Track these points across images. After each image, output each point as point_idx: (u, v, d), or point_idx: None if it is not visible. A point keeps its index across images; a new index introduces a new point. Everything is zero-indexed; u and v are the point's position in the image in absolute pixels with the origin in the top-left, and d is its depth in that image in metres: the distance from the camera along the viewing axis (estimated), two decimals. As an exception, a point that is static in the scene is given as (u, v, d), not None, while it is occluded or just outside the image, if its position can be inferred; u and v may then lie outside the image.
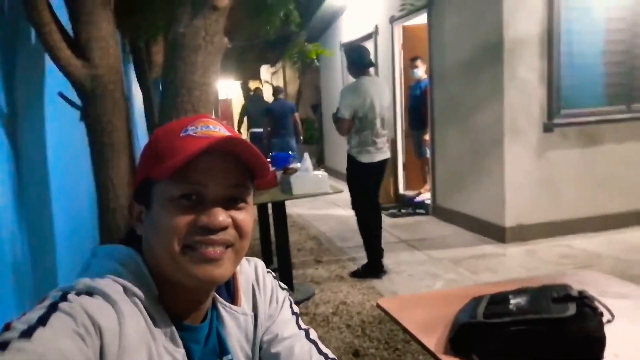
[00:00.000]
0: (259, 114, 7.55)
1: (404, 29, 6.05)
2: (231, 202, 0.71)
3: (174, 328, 0.71)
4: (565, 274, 1.54)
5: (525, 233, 4.40)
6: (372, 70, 4.00)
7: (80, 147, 1.62)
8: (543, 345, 0.96)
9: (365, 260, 3.81)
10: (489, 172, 4.54)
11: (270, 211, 3.75)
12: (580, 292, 1.04)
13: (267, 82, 13.37)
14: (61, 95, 1.49)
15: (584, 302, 1.01)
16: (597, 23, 4.42)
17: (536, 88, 4.35)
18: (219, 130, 0.73)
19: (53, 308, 0.60)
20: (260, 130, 7.48)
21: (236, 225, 0.72)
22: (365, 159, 3.60)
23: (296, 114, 7.45)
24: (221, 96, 16.52)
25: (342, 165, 8.36)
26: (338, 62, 8.04)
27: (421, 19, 5.53)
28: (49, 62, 1.51)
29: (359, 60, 3.67)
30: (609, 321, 1.02)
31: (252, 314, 0.83)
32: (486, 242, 4.49)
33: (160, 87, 1.56)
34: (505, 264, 3.93)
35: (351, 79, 3.84)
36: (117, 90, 1.55)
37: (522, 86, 4.32)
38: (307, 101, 12.36)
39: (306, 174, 3.18)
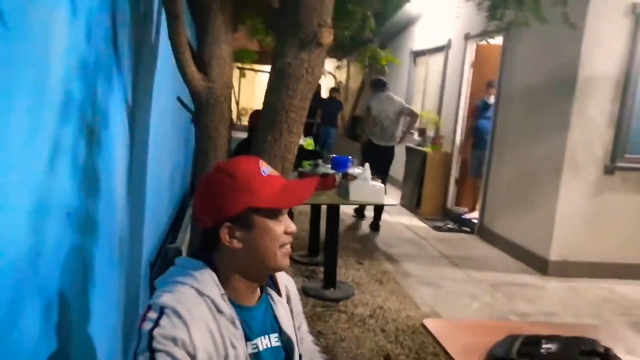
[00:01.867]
0: (315, 106, 8.45)
1: (478, 47, 6.09)
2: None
3: (235, 314, 1.04)
4: (598, 326, 1.67)
5: (569, 269, 4.43)
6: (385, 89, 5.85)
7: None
8: (565, 389, 1.13)
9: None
10: (541, 203, 4.59)
11: (323, 208, 3.97)
12: (606, 349, 1.20)
13: (331, 73, 13.55)
14: (179, 100, 1.75)
15: (608, 358, 1.17)
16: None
17: (602, 128, 4.35)
18: (274, 171, 1.11)
19: (151, 351, 0.92)
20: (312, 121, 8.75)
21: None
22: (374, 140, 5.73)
23: (342, 111, 8.60)
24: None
25: (393, 169, 8.50)
26: (405, 71, 8.14)
27: (496, 39, 5.56)
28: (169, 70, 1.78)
29: (377, 84, 5.90)
30: (627, 379, 1.18)
31: (290, 306, 1.20)
32: (527, 271, 4.56)
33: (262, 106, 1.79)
34: (543, 296, 4.00)
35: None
36: (226, 102, 1.80)
37: (589, 125, 4.33)
38: (365, 99, 12.50)
39: (365, 182, 3.38)
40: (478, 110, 5.95)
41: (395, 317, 3.34)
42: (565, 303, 3.88)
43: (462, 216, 6.04)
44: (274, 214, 1.06)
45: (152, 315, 0.96)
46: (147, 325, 0.95)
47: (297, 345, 1.15)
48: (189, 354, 0.94)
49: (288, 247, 1.09)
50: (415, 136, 6.94)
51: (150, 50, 1.99)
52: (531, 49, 4.90)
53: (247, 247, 1.05)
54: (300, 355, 1.17)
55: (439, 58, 7.01)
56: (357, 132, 11.06)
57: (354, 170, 3.92)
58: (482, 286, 4.11)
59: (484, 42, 5.92)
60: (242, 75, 11.07)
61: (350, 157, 4.19)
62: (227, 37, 1.77)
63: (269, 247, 1.05)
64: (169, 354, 0.92)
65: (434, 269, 4.42)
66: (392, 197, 7.09)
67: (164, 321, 0.95)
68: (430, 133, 6.78)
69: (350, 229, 5.59)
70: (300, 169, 3.86)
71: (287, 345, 1.13)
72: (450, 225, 5.95)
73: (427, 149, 6.46)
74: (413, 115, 5.89)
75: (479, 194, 5.84)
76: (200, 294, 1.00)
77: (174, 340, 0.93)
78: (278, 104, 1.71)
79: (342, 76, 14.16)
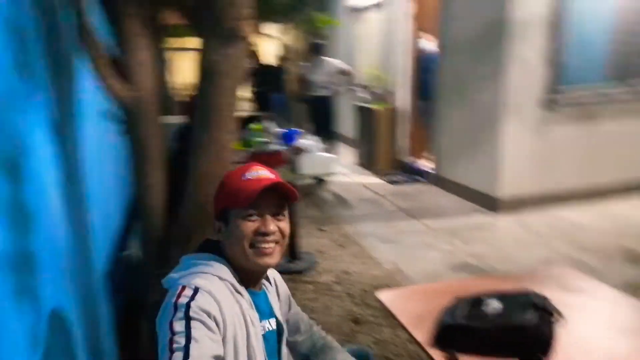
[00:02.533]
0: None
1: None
2: (276, 216, 1.19)
3: (251, 298, 1.20)
4: (537, 272, 1.80)
5: (518, 204, 4.67)
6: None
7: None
8: (509, 346, 1.23)
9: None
10: (488, 144, 4.75)
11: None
12: (543, 300, 1.30)
13: (275, 37, 13.24)
14: (106, 113, 1.70)
15: (546, 309, 1.27)
16: (608, 3, 4.50)
17: (538, 67, 4.49)
18: (267, 174, 1.21)
19: (188, 319, 1.03)
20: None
21: (280, 230, 1.20)
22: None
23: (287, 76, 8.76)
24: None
25: (344, 128, 8.54)
26: (343, 28, 8.04)
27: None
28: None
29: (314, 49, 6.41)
30: (561, 324, 1.28)
31: (277, 293, 1.36)
32: (480, 212, 4.76)
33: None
34: (497, 235, 4.21)
35: None
36: (155, 110, 1.76)
37: (525, 65, 4.45)
38: (308, 59, 12.34)
39: (316, 155, 3.40)
40: (417, 62, 6.04)
41: (360, 280, 3.46)
42: (517, 238, 4.11)
43: (417, 167, 6.19)
44: (245, 213, 1.16)
45: (188, 292, 1.07)
46: (184, 300, 1.05)
47: (285, 329, 1.33)
48: (218, 328, 1.06)
49: (265, 246, 1.17)
50: (362, 93, 6.97)
51: (70, 64, 1.89)
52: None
53: (226, 241, 1.20)
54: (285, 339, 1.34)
55: (378, 12, 6.96)
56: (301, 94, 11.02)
57: (304, 142, 3.93)
58: (440, 234, 4.28)
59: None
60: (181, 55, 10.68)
61: (299, 129, 4.18)
62: (149, 41, 1.71)
63: (237, 243, 1.16)
64: (203, 322, 1.03)
65: (393, 224, 4.56)
66: (347, 157, 7.19)
67: (199, 297, 1.06)
68: (377, 89, 6.81)
69: (308, 195, 5.65)
70: (250, 149, 3.83)
71: (278, 329, 1.30)
72: (405, 178, 6.10)
73: (376, 106, 6.51)
74: (347, 73, 6.52)
75: (430, 143, 5.99)
76: (222, 279, 1.14)
77: (208, 314, 1.05)
78: (208, 104, 1.69)
79: (288, 40, 13.86)
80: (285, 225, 1.21)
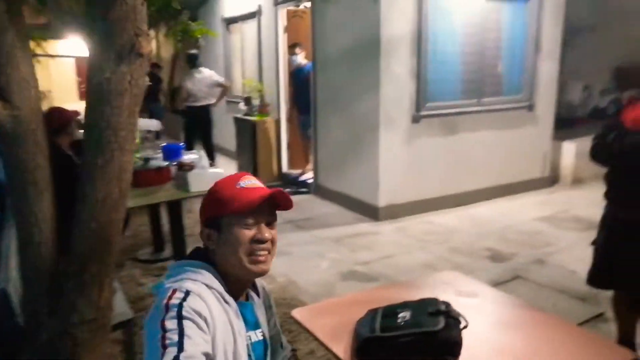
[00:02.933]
0: None
1: (288, 12, 6.22)
2: (269, 224, 1.22)
3: (237, 307, 1.20)
4: (431, 278, 1.96)
5: (396, 211, 5.02)
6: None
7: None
8: (423, 351, 1.33)
9: None
10: (366, 156, 5.04)
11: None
12: (447, 306, 1.43)
13: None
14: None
15: (450, 314, 1.40)
16: (456, 27, 5.07)
17: (407, 82, 4.88)
18: (259, 183, 1.23)
19: (180, 318, 1.03)
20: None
21: (272, 239, 1.21)
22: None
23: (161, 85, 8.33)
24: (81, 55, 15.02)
25: (223, 140, 8.44)
26: (220, 39, 7.95)
27: (307, 3, 5.75)
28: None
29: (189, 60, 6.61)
30: (465, 327, 1.42)
31: (265, 303, 1.37)
32: (362, 220, 5.03)
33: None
34: (379, 241, 4.48)
35: None
36: (39, 130, 1.58)
37: (396, 80, 4.82)
38: (182, 70, 11.95)
39: (204, 171, 3.30)
40: (291, 75, 6.22)
41: (255, 295, 3.42)
42: (398, 243, 4.41)
43: (298, 178, 6.32)
44: (242, 221, 1.17)
45: (179, 295, 1.08)
46: (176, 301, 1.06)
47: (270, 342, 1.34)
48: (209, 329, 1.07)
49: (261, 253, 1.19)
50: (241, 106, 6.94)
51: None
52: (338, 13, 5.19)
53: (219, 249, 1.19)
54: (273, 350, 1.37)
55: (252, 25, 6.99)
56: (176, 106, 10.63)
57: (189, 157, 3.80)
58: (327, 243, 4.43)
59: (294, 7, 6.07)
60: (37, 61, 9.62)
61: (181, 143, 4.03)
62: (26, 55, 1.53)
63: (234, 250, 1.17)
64: (195, 322, 1.04)
65: (281, 236, 4.54)
66: (228, 169, 7.09)
67: (190, 299, 1.08)
68: (256, 101, 6.83)
69: (191, 212, 5.45)
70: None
71: (265, 341, 1.31)
72: (288, 189, 6.18)
73: (256, 118, 6.52)
74: (223, 86, 6.72)
75: (310, 155, 6.16)
76: (209, 287, 1.14)
77: (199, 314, 1.06)
78: (103, 123, 1.56)
79: (152, 46, 13.23)
80: (275, 233, 1.24)
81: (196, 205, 5.45)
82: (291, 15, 5.64)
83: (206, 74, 6.62)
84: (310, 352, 2.79)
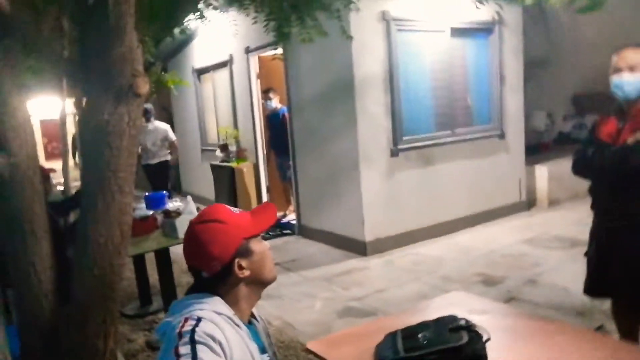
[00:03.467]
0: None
1: (260, 59, 6.36)
2: None
3: (248, 330, 1.23)
4: (434, 301, 1.95)
5: (382, 245, 5.02)
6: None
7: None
8: (449, 368, 1.31)
9: None
10: (348, 193, 5.07)
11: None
12: (467, 321, 1.42)
13: None
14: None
15: (471, 329, 1.39)
16: (425, 63, 5.27)
17: (383, 119, 5.00)
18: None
19: (193, 342, 1.04)
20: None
21: None
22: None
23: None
24: (46, 116, 14.83)
25: (200, 188, 8.38)
26: (192, 89, 8.02)
27: (277, 49, 5.89)
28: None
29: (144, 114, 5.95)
30: (487, 339, 1.41)
31: (265, 329, 1.39)
32: (350, 256, 5.00)
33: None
34: (370, 276, 4.45)
35: None
36: (35, 177, 1.54)
37: (372, 118, 4.93)
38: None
39: (191, 216, 3.25)
40: (267, 119, 6.30)
41: (252, 341, 3.31)
42: (388, 276, 4.39)
43: (281, 221, 6.28)
44: (257, 238, 1.27)
45: (191, 322, 1.09)
46: (188, 327, 1.07)
47: None
48: (225, 353, 1.07)
49: None
50: (218, 153, 6.94)
51: None
52: (311, 56, 5.33)
53: (253, 271, 1.24)
54: None
55: (224, 73, 7.10)
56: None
57: (174, 204, 3.75)
58: (317, 283, 4.36)
59: (267, 54, 6.21)
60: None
61: (165, 192, 3.98)
62: (21, 99, 1.51)
63: (267, 264, 1.28)
64: (209, 346, 1.04)
65: (271, 280, 4.50)
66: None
67: (202, 324, 1.09)
68: (233, 147, 6.85)
69: (174, 262, 5.31)
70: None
71: None
72: (271, 233, 6.12)
73: (233, 164, 6.52)
74: (173, 145, 6.89)
75: (291, 197, 6.16)
76: (219, 313, 1.15)
77: (213, 338, 1.07)
78: (102, 165, 1.54)
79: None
80: None
81: (179, 256, 5.35)
82: (270, 59, 5.76)
83: (160, 128, 6.74)
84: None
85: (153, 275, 4.16)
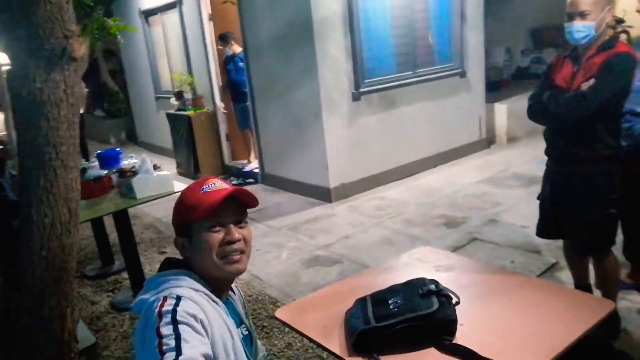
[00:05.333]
0: None
1: (212, 0, 5.97)
2: (238, 224, 1.21)
3: (225, 306, 1.21)
4: (402, 257, 1.95)
5: (347, 191, 5.02)
6: None
7: None
8: (419, 334, 1.31)
9: None
10: (311, 139, 4.98)
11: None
12: (436, 285, 1.41)
13: None
14: None
15: (440, 293, 1.38)
16: (385, 3, 5.07)
17: (343, 62, 4.84)
18: (223, 185, 1.22)
19: (175, 322, 1.01)
20: None
21: (243, 238, 1.22)
22: None
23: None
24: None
25: (157, 138, 8.12)
26: (139, 33, 7.53)
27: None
28: None
29: None
30: (457, 303, 1.42)
31: (241, 300, 1.38)
32: (315, 204, 4.99)
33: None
34: (335, 223, 4.46)
35: None
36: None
37: (332, 62, 4.76)
38: (103, 66, 11.28)
39: (149, 176, 3.11)
40: (223, 65, 6.01)
41: (220, 296, 3.31)
42: (353, 222, 4.41)
43: (243, 169, 6.17)
44: (208, 225, 1.17)
45: (170, 301, 1.06)
46: (169, 307, 1.04)
47: (253, 335, 1.35)
48: (206, 332, 1.06)
49: (234, 254, 1.19)
50: (173, 101, 6.64)
51: None
52: (265, -2, 5.03)
53: (193, 255, 1.20)
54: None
55: (173, 15, 6.67)
56: (105, 107, 10.02)
57: (128, 162, 3.57)
58: (283, 233, 4.36)
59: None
60: None
61: (119, 149, 3.78)
62: None
63: (206, 256, 1.18)
64: (191, 326, 1.03)
65: (236, 231, 4.46)
66: (166, 168, 6.80)
67: (183, 303, 1.06)
68: (188, 95, 6.56)
69: (135, 217, 5.19)
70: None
71: (249, 336, 1.32)
72: (234, 182, 6.03)
73: (190, 112, 6.27)
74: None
75: (253, 145, 6.02)
76: (196, 290, 1.14)
77: (195, 317, 1.05)
78: (41, 140, 1.40)
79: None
80: (247, 232, 1.24)
81: (140, 210, 5.20)
82: (222, 1, 5.42)
83: None
84: (287, 345, 2.73)
85: (113, 233, 4.03)
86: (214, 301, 1.17)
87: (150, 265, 3.90)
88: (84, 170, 3.37)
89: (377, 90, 5.14)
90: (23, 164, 1.41)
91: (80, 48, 1.42)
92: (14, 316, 1.46)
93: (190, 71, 6.64)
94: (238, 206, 1.22)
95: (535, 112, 2.40)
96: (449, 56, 5.79)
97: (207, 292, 1.17)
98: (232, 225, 1.20)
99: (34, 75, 1.36)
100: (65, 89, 1.40)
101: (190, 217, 1.18)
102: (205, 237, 1.17)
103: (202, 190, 1.20)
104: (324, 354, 2.59)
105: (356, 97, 4.98)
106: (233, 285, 1.36)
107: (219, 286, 1.23)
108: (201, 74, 6.43)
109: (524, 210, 4.10)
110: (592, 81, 2.15)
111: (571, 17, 2.17)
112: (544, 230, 2.60)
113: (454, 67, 5.82)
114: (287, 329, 2.86)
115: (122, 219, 3.24)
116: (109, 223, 3.96)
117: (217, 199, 1.16)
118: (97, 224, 3.98)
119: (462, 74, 5.88)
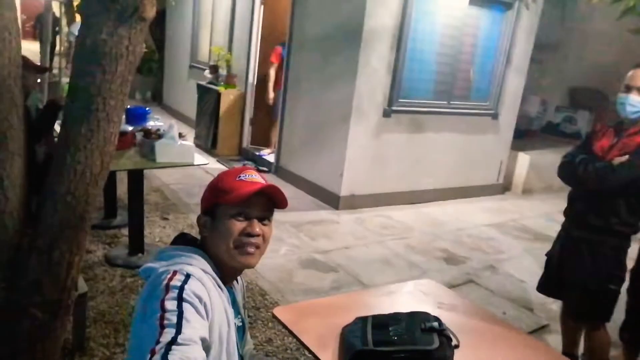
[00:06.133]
0: None
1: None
2: (262, 220, 1.23)
3: (228, 293, 1.22)
4: (407, 284, 1.96)
5: (356, 202, 5.02)
6: None
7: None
8: (415, 368, 1.31)
9: None
10: (333, 144, 4.99)
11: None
12: (439, 324, 1.41)
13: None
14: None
15: (442, 333, 1.38)
16: (436, 27, 5.07)
17: (382, 76, 4.85)
18: (259, 178, 1.25)
19: (180, 300, 1.02)
20: None
21: (263, 235, 1.23)
22: None
23: None
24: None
25: (182, 105, 8.14)
26: (190, 2, 7.56)
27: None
28: None
29: None
30: (456, 346, 1.42)
31: (242, 290, 1.40)
32: (322, 207, 5.00)
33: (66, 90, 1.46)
34: (338, 230, 4.47)
35: None
36: (16, 86, 1.40)
37: (372, 73, 4.77)
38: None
39: (173, 142, 3.13)
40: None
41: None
42: (357, 234, 4.42)
43: (259, 155, 6.18)
44: (234, 212, 1.19)
45: (180, 277, 1.07)
46: (177, 283, 1.05)
47: (247, 327, 1.39)
48: (207, 315, 1.07)
49: (250, 248, 1.20)
50: (207, 73, 6.66)
51: None
52: (321, -5, 5.05)
53: (211, 236, 1.22)
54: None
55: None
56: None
57: (154, 124, 3.60)
58: (286, 228, 4.36)
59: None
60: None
61: (148, 108, 3.81)
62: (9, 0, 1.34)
63: (223, 240, 1.19)
64: (194, 306, 1.03)
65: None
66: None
67: (191, 282, 1.07)
68: (223, 71, 6.58)
69: (147, 179, 5.21)
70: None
71: (242, 327, 1.34)
72: (247, 164, 6.04)
73: (221, 88, 6.29)
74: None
75: (274, 136, 6.03)
76: (205, 272, 1.15)
77: (200, 299, 1.06)
78: (92, 89, 1.41)
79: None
80: (268, 230, 1.25)
81: (150, 173, 5.23)
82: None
83: None
84: (267, 340, 2.74)
85: (121, 187, 4.06)
86: (220, 287, 1.18)
87: (150, 228, 3.91)
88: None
89: (409, 112, 5.14)
90: (70, 108, 1.43)
91: (152, 10, 1.44)
92: (25, 253, 1.48)
93: (230, 49, 6.66)
94: (267, 203, 1.24)
95: (564, 171, 2.42)
96: (485, 95, 5.79)
97: (215, 276, 1.18)
98: (255, 220, 1.21)
99: (102, 26, 1.37)
100: (127, 46, 1.41)
101: (220, 199, 1.20)
102: (227, 223, 1.19)
103: (239, 177, 1.23)
104: (302, 359, 2.60)
105: (387, 114, 4.98)
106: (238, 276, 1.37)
107: (229, 273, 1.25)
108: (240, 54, 6.45)
109: (525, 264, 4.10)
110: (625, 157, 2.16)
111: (629, 90, 2.18)
112: (545, 286, 2.63)
113: (488, 107, 5.81)
114: (270, 324, 2.87)
115: (137, 178, 3.26)
116: (119, 177, 3.99)
117: (251, 189, 1.18)
118: (109, 176, 3.98)
119: (495, 116, 5.87)
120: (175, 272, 1.09)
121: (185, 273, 1.09)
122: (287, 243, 4.04)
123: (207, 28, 7.45)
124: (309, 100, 5.31)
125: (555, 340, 2.91)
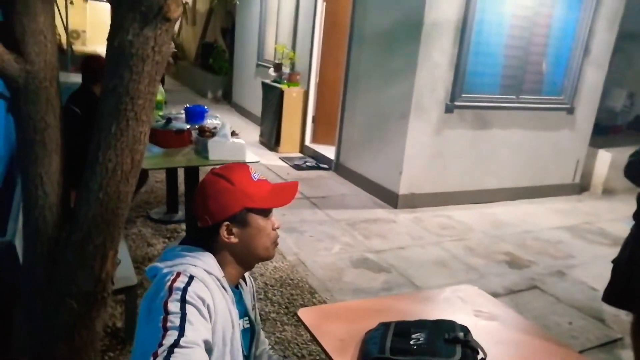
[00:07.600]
0: None
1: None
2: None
3: (232, 294, 1.22)
4: (444, 291, 1.85)
5: (415, 201, 4.88)
6: None
7: None
8: (433, 381, 1.23)
9: None
10: (392, 141, 4.88)
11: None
12: (465, 334, 1.32)
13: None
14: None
15: (467, 344, 1.28)
16: (504, 18, 4.79)
17: (444, 71, 4.66)
18: (260, 175, 1.27)
19: (183, 302, 1.03)
20: None
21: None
22: None
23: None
24: None
25: (249, 103, 8.34)
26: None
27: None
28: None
29: None
30: (482, 359, 1.31)
31: (251, 292, 1.38)
32: (380, 205, 4.91)
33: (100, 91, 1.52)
34: (394, 230, 4.36)
35: None
36: (52, 87, 1.47)
37: (433, 68, 4.60)
38: (217, 23, 11.75)
39: (225, 140, 3.20)
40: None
41: (262, 272, 3.36)
42: (413, 234, 4.29)
43: (320, 152, 6.19)
44: (265, 213, 1.23)
45: (183, 278, 1.08)
46: (180, 284, 1.06)
47: (257, 328, 1.38)
48: (210, 317, 1.07)
49: (277, 240, 1.28)
50: (271, 72, 6.77)
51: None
52: (381, -12, 4.94)
53: (243, 242, 1.22)
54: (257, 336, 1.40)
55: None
56: (209, 62, 10.45)
57: (212, 122, 3.69)
58: (340, 226, 4.33)
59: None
60: (70, 2, 9.56)
61: (205, 106, 3.92)
62: (46, 5, 1.41)
63: (263, 242, 1.24)
64: (197, 308, 1.04)
65: (296, 212, 4.51)
66: (250, 136, 7.00)
67: (195, 284, 1.08)
68: (286, 69, 6.65)
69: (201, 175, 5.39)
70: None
71: (252, 329, 1.34)
72: (309, 163, 6.07)
73: (284, 86, 6.37)
74: None
75: (334, 130, 6.01)
76: (209, 273, 1.15)
77: (203, 301, 1.06)
78: (121, 90, 1.45)
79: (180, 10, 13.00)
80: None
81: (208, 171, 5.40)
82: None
83: None
84: (310, 340, 2.72)
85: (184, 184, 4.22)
86: (224, 288, 1.18)
87: (208, 223, 4.03)
88: (169, 121, 3.54)
89: (474, 107, 4.91)
90: (102, 108, 1.48)
91: (177, 10, 1.45)
92: (62, 246, 1.56)
93: (294, 46, 6.72)
94: None
95: (632, 171, 2.21)
96: (559, 89, 5.40)
97: (220, 277, 1.18)
98: (272, 215, 1.27)
99: (128, 27, 1.40)
100: (153, 47, 1.44)
101: (253, 204, 1.21)
102: (263, 223, 1.23)
103: (255, 178, 1.24)
104: None
105: (449, 109, 4.79)
106: (247, 276, 1.38)
107: (236, 274, 1.26)
108: (303, 51, 6.49)
109: (598, 271, 3.77)
110: None
111: None
112: (611, 296, 2.41)
113: (563, 102, 5.41)
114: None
115: (193, 174, 3.37)
116: (182, 174, 4.14)
117: (287, 192, 1.27)
118: (171, 172, 4.17)
119: (570, 110, 5.46)
120: (178, 274, 1.10)
121: (188, 275, 1.10)
122: (340, 241, 4.01)
123: (273, 26, 7.57)
124: (369, 96, 5.23)
125: (628, 356, 2.66)
